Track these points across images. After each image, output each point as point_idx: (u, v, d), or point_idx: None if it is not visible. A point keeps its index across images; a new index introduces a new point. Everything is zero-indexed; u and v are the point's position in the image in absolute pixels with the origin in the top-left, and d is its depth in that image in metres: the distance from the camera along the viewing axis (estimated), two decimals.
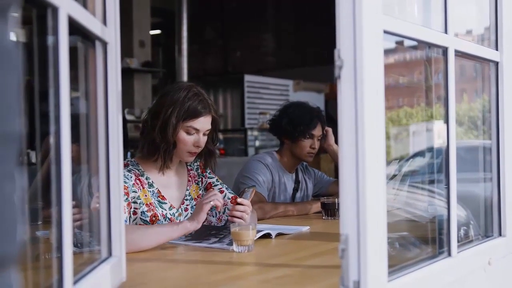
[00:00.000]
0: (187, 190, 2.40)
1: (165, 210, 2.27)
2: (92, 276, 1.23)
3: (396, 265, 1.36)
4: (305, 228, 2.41)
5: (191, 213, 2.34)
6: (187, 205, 2.38)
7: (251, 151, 7.52)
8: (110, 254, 1.41)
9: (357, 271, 1.19)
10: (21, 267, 0.65)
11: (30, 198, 1.53)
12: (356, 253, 1.19)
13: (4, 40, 0.58)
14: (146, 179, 2.27)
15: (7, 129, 0.59)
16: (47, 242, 1.46)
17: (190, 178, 2.43)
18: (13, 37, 0.61)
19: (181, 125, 2.22)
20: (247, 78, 8.39)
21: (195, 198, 2.41)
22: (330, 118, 5.16)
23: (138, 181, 2.22)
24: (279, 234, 2.24)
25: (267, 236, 2.16)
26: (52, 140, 1.04)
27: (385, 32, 1.28)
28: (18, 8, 0.63)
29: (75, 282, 1.12)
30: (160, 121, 2.21)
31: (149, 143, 2.25)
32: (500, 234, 1.85)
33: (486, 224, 1.91)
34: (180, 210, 2.34)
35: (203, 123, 2.26)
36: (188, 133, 2.24)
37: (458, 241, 1.58)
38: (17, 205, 0.61)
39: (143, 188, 2.24)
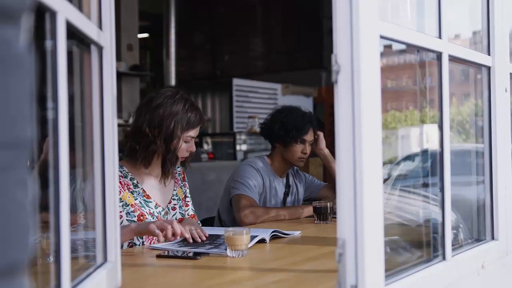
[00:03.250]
0: (174, 190, 2.49)
1: (152, 208, 2.33)
2: (89, 282, 1.22)
3: (392, 269, 1.36)
4: (297, 233, 2.41)
5: (179, 212, 2.46)
6: (174, 204, 2.46)
7: (239, 155, 7.51)
8: (105, 259, 1.40)
9: (354, 275, 1.19)
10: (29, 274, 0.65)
11: None
12: (354, 258, 1.19)
13: (17, 46, 0.58)
14: (130, 180, 2.33)
15: (20, 135, 0.58)
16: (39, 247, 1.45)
17: (176, 180, 2.52)
18: (25, 41, 0.61)
19: (183, 136, 2.33)
20: (236, 82, 8.37)
21: (182, 199, 2.50)
22: (318, 122, 5.17)
23: (119, 183, 2.24)
24: (274, 237, 2.25)
25: (261, 240, 2.16)
26: (50, 144, 1.03)
27: (381, 37, 1.28)
28: (30, 14, 0.63)
29: None
30: (163, 134, 2.28)
31: (151, 153, 2.32)
32: (492, 238, 1.86)
33: (478, 227, 1.92)
34: (167, 209, 2.41)
35: (198, 130, 2.40)
36: (186, 141, 2.36)
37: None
38: (29, 211, 0.61)
39: (125, 190, 2.29)
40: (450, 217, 1.57)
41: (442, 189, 1.57)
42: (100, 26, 1.38)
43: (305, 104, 7.78)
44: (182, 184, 2.55)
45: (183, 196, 2.53)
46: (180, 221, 2.45)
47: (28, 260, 0.61)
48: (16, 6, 0.58)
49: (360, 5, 1.18)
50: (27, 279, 0.61)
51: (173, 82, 9.11)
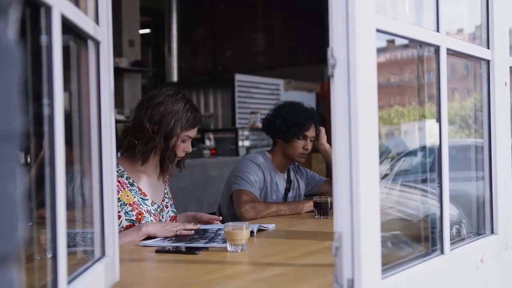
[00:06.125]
0: (165, 189, 2.53)
1: (148, 206, 2.37)
2: (86, 276, 1.23)
3: (389, 263, 1.36)
4: (271, 226, 2.44)
5: (171, 210, 2.50)
6: (166, 202, 2.50)
7: (242, 151, 7.51)
8: (103, 254, 1.40)
9: (351, 269, 1.19)
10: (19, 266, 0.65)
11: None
12: (350, 251, 1.19)
13: (5, 39, 0.58)
14: (126, 179, 2.36)
15: (8, 127, 0.59)
16: (37, 242, 1.45)
17: (166, 180, 2.56)
18: (13, 35, 0.61)
19: (182, 135, 2.35)
20: (238, 77, 8.37)
21: (171, 198, 2.55)
22: (321, 117, 5.19)
23: (117, 182, 2.26)
24: (259, 230, 2.30)
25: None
26: (46, 140, 1.03)
27: (378, 30, 1.28)
28: (18, 7, 0.63)
29: (69, 282, 1.12)
30: (163, 131, 2.31)
31: (149, 149, 2.34)
32: (492, 232, 1.86)
33: (478, 222, 1.92)
34: (161, 206, 2.45)
35: (196, 131, 2.43)
36: (183, 141, 2.38)
37: (451, 239, 1.59)
38: (19, 203, 0.61)
39: (124, 189, 2.32)
40: (448, 211, 1.57)
41: (440, 183, 1.56)
42: (97, 21, 1.38)
43: (308, 99, 7.77)
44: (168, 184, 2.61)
45: (171, 195, 2.58)
46: (174, 218, 2.50)
47: (17, 252, 0.61)
48: None
49: None
50: (16, 270, 0.62)
51: (175, 78, 9.12)
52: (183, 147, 2.39)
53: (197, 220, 2.51)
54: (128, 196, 2.31)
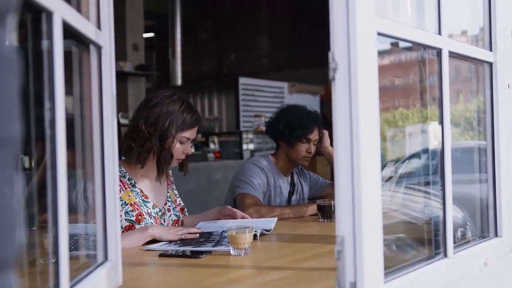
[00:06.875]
0: (168, 192, 2.53)
1: (149, 208, 2.37)
2: (89, 281, 1.23)
3: (392, 266, 1.36)
4: (274, 220, 2.49)
5: (174, 214, 2.50)
6: (169, 206, 2.50)
7: (246, 154, 7.50)
8: (106, 258, 1.40)
9: (353, 272, 1.19)
10: (17, 272, 0.65)
11: (25, 203, 1.53)
12: (352, 255, 1.19)
13: (3, 46, 0.59)
14: (129, 180, 2.37)
15: (6, 133, 0.59)
16: (41, 247, 1.46)
17: (169, 183, 2.56)
18: (11, 41, 0.61)
19: (177, 136, 2.34)
20: (242, 80, 8.37)
21: (174, 201, 2.54)
22: (325, 120, 5.18)
23: (119, 182, 2.27)
24: (262, 234, 2.29)
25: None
26: (47, 145, 1.03)
27: (379, 34, 1.28)
28: (16, 13, 0.63)
29: (72, 286, 1.12)
30: (158, 132, 2.31)
31: (146, 151, 2.34)
32: (496, 235, 1.85)
33: (482, 224, 1.91)
34: (163, 210, 2.45)
35: (194, 132, 2.42)
36: (181, 142, 2.38)
37: (455, 242, 1.59)
38: (16, 209, 0.61)
39: (126, 189, 2.33)
40: (451, 214, 1.56)
41: (443, 186, 1.56)
42: (98, 26, 1.38)
43: (312, 102, 7.77)
44: (173, 187, 2.60)
45: (175, 198, 2.57)
46: (176, 222, 2.50)
47: (16, 258, 0.61)
48: (1, 6, 0.58)
49: (357, 2, 1.18)
50: (14, 276, 0.62)
51: (179, 81, 9.12)
52: (182, 149, 2.38)
53: (225, 214, 2.55)
54: (129, 196, 2.31)
